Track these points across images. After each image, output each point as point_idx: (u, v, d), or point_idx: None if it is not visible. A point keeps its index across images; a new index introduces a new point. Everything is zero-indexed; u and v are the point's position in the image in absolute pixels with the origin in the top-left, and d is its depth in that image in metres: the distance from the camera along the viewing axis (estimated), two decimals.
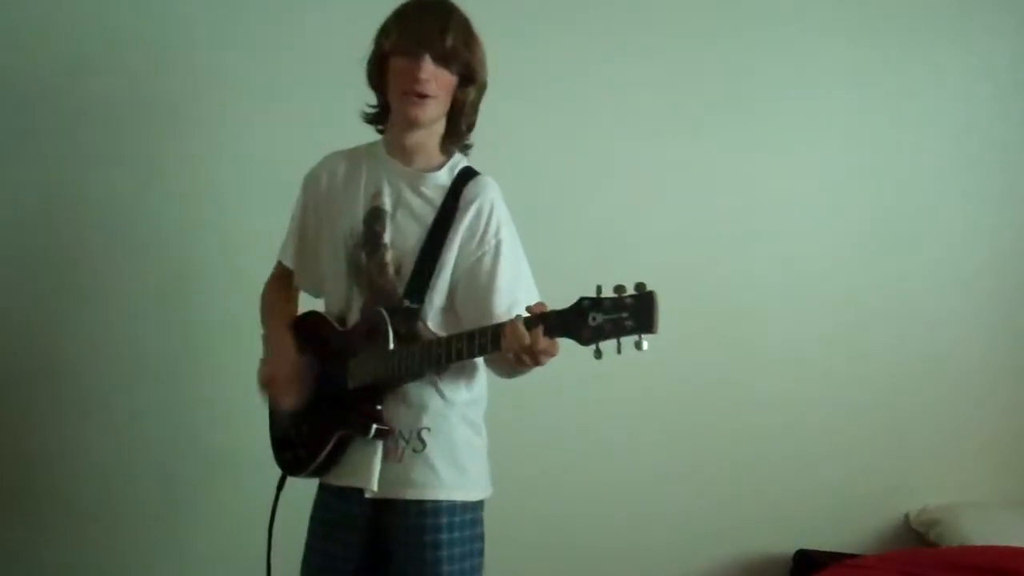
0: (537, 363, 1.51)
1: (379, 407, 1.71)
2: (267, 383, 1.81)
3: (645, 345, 1.38)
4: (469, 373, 1.79)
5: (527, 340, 1.47)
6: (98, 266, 2.45)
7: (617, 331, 1.39)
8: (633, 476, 2.66)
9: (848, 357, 2.75)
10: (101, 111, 2.43)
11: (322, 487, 1.85)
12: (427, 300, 1.72)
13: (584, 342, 1.42)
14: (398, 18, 1.73)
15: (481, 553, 1.80)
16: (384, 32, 1.75)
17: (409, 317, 1.70)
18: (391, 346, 1.67)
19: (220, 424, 2.45)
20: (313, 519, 1.86)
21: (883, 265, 2.77)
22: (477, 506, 1.79)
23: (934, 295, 2.79)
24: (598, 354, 1.42)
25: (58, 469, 2.45)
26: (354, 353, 1.74)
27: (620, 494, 2.66)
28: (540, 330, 1.46)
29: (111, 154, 2.44)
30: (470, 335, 1.57)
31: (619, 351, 1.40)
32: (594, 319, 1.41)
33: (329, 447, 1.75)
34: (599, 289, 1.42)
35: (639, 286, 1.39)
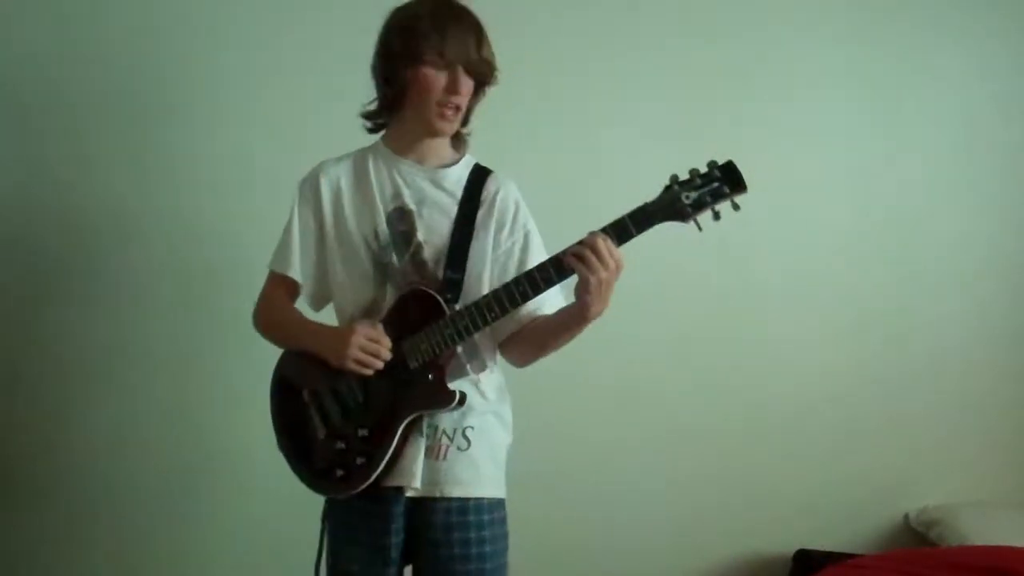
0: (616, 274, 1.59)
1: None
2: (362, 350, 1.70)
3: (739, 205, 1.56)
4: (498, 373, 1.84)
5: (606, 247, 1.57)
6: (100, 266, 2.45)
7: (715, 198, 1.56)
8: (633, 476, 2.66)
9: (848, 357, 2.75)
10: (101, 111, 2.43)
11: (344, 504, 1.79)
12: (467, 273, 1.74)
13: (686, 219, 1.58)
14: (436, 26, 1.69)
15: (507, 550, 1.84)
16: (417, 35, 1.69)
17: (453, 286, 1.73)
18: (447, 311, 1.69)
19: (224, 425, 2.45)
20: (340, 540, 1.82)
21: (883, 265, 2.77)
22: (505, 503, 1.83)
23: (934, 295, 2.78)
24: (699, 227, 1.58)
25: (60, 469, 2.45)
26: (402, 337, 1.72)
27: (620, 494, 2.66)
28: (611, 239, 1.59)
29: (112, 154, 2.44)
30: (528, 273, 1.64)
31: (716, 218, 1.58)
32: (687, 197, 1.57)
33: (397, 439, 1.71)
34: (675, 176, 1.58)
35: (712, 162, 1.56)
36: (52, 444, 2.45)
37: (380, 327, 1.72)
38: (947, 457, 2.80)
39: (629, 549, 2.66)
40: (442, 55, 1.69)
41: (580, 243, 1.59)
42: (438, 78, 1.70)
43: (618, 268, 1.59)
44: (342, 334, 1.73)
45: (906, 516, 2.77)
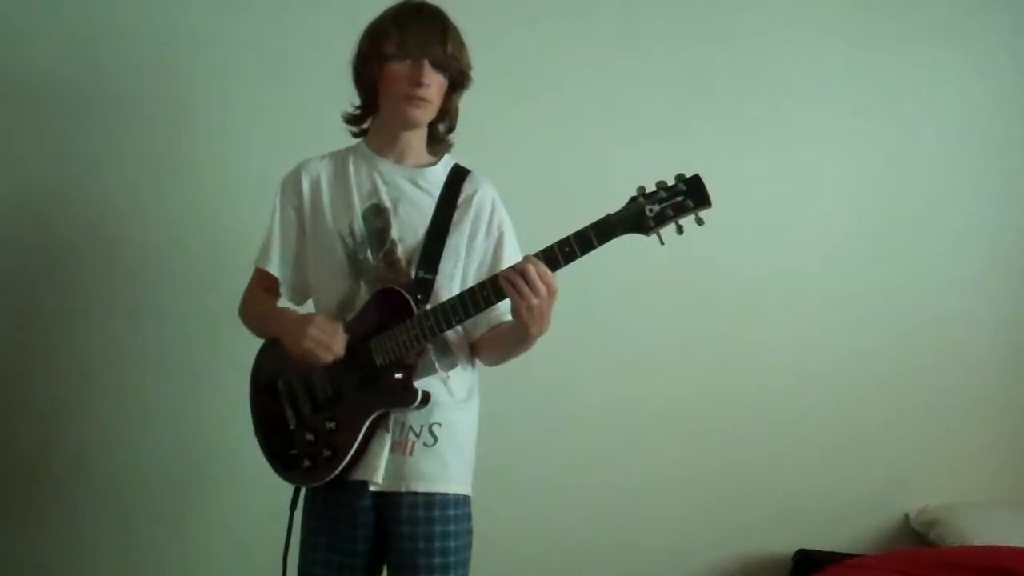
0: (548, 300, 1.59)
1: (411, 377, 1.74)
2: (314, 341, 1.72)
3: (703, 220, 1.55)
4: (471, 372, 1.86)
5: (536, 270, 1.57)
6: (100, 266, 2.45)
7: (678, 213, 1.55)
8: (634, 477, 2.66)
9: (848, 357, 2.75)
10: (100, 113, 2.43)
11: (314, 496, 1.85)
12: (439, 273, 1.75)
13: (647, 232, 1.57)
14: (397, 23, 1.75)
15: (471, 546, 1.85)
16: (380, 35, 1.77)
17: (424, 287, 1.74)
18: (415, 311, 1.70)
19: (224, 426, 2.45)
20: (310, 531, 1.85)
21: (883, 265, 2.77)
22: (470, 500, 1.85)
23: (934, 295, 2.78)
24: (661, 240, 1.57)
25: (60, 470, 2.45)
26: (371, 335, 1.74)
27: (621, 495, 2.66)
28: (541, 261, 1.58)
29: (114, 154, 2.45)
30: (494, 278, 1.63)
31: (680, 232, 1.57)
32: (651, 210, 1.56)
33: (362, 434, 1.74)
34: (642, 188, 1.57)
35: (680, 175, 1.55)
36: (52, 445, 2.45)
37: (339, 325, 1.75)
38: (947, 457, 2.80)
39: (629, 549, 2.66)
40: (404, 50, 1.73)
41: (512, 268, 1.60)
42: (401, 72, 1.74)
43: (550, 294, 1.59)
44: (301, 322, 1.76)
45: (906, 516, 2.77)
